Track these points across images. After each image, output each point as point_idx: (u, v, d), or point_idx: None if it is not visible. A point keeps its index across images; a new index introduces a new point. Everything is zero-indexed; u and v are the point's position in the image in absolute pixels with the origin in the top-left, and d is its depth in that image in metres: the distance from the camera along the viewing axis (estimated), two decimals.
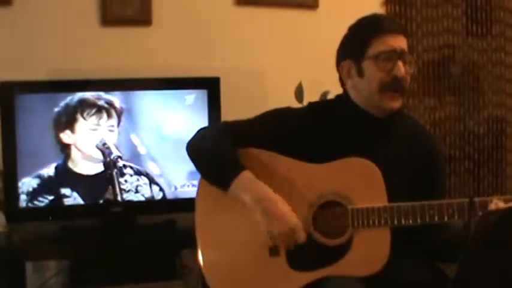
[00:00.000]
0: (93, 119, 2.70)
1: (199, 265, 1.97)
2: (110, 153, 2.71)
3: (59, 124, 2.68)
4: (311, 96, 2.65)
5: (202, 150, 2.01)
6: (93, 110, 2.70)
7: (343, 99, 2.06)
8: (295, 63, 3.20)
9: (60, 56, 2.92)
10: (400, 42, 1.94)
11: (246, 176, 1.88)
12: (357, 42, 1.98)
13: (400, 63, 1.92)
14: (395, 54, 1.92)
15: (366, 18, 2.02)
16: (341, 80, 2.05)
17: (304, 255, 1.89)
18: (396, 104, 1.96)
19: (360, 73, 1.97)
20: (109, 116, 2.72)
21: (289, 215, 1.85)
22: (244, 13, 3.18)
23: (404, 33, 1.98)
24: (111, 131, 2.72)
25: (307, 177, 1.93)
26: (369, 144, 1.98)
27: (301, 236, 1.85)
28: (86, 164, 2.72)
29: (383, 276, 1.84)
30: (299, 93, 2.96)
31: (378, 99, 1.95)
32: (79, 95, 2.69)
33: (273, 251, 1.91)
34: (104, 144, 2.71)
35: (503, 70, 3.58)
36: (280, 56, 3.22)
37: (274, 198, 1.86)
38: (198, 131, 2.09)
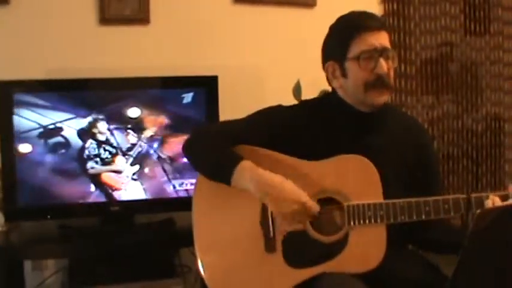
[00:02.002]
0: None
1: (197, 263, 1.97)
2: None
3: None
4: (309, 94, 2.65)
5: (200, 147, 2.02)
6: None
7: (331, 96, 2.08)
8: (293, 62, 3.20)
9: (58, 55, 2.92)
10: (380, 38, 1.94)
11: (246, 165, 1.89)
12: (337, 44, 1.99)
13: (382, 61, 1.93)
14: (377, 52, 1.93)
15: (344, 17, 2.02)
16: (328, 79, 2.06)
17: (300, 252, 1.90)
18: (383, 98, 1.97)
19: (344, 74, 1.99)
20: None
21: (296, 192, 1.86)
22: (242, 11, 3.18)
23: (383, 27, 1.97)
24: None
25: (303, 175, 1.94)
26: (359, 138, 1.99)
27: (314, 208, 1.87)
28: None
29: (379, 272, 1.85)
30: (297, 91, 2.96)
31: (364, 97, 1.96)
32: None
33: (269, 247, 1.92)
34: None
35: (501, 68, 3.58)
36: (278, 55, 3.22)
37: (278, 180, 1.87)
38: (193, 131, 2.10)
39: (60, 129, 2.69)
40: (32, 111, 2.65)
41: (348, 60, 1.96)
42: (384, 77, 1.94)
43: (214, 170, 1.95)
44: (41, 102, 2.67)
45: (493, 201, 1.80)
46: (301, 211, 1.86)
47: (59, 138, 2.69)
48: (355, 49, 1.94)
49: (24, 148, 2.65)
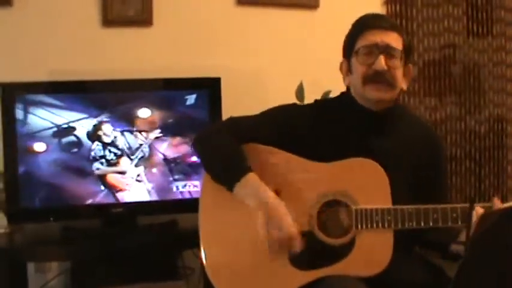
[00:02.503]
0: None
1: (202, 263, 1.97)
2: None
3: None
4: (312, 96, 2.63)
5: (209, 148, 2.01)
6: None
7: (344, 96, 2.09)
8: (296, 64, 3.20)
9: (61, 57, 2.92)
10: (384, 37, 1.95)
11: (251, 178, 1.88)
12: (347, 41, 2.04)
13: (381, 57, 1.93)
14: (377, 49, 1.94)
15: (359, 18, 2.05)
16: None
17: (306, 254, 1.89)
18: (382, 94, 1.96)
19: (350, 70, 2.02)
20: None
21: (289, 223, 1.84)
22: (245, 13, 3.17)
23: (395, 29, 1.99)
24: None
25: (312, 176, 1.94)
26: (367, 139, 1.99)
27: (297, 246, 1.85)
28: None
29: (384, 276, 1.84)
30: (300, 93, 2.96)
31: (363, 91, 1.98)
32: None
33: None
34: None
35: (504, 70, 3.58)
36: (281, 56, 3.22)
37: (277, 203, 1.86)
38: (204, 128, 2.11)
39: (73, 128, 2.70)
40: (46, 110, 2.67)
41: (353, 56, 2.00)
42: (382, 73, 1.94)
43: (218, 175, 1.95)
44: (43, 103, 2.67)
45: (478, 212, 1.79)
46: (285, 243, 1.85)
47: (71, 138, 2.70)
48: (358, 45, 1.98)
49: (30, 148, 2.66)
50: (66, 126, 2.69)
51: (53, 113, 2.67)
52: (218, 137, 2.01)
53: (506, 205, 1.77)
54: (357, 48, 1.98)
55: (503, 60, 3.57)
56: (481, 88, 3.58)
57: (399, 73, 1.98)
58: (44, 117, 2.66)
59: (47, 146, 2.67)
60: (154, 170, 2.78)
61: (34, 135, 2.66)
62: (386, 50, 1.95)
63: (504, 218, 1.55)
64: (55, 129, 2.68)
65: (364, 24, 2.00)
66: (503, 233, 1.54)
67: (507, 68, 3.58)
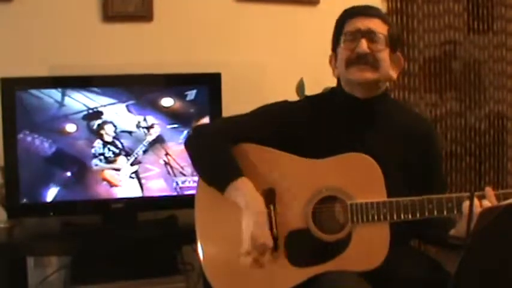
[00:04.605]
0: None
1: (199, 260, 1.97)
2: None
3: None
4: (312, 92, 2.64)
5: (201, 150, 2.01)
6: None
7: (334, 90, 2.10)
8: (296, 59, 3.20)
9: (61, 52, 2.92)
10: (368, 23, 1.97)
11: (243, 182, 1.89)
12: (334, 34, 2.06)
13: (363, 41, 1.95)
14: (359, 33, 1.96)
15: (344, 10, 2.07)
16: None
17: (303, 250, 1.90)
18: (366, 75, 1.96)
19: (337, 60, 2.03)
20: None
21: (268, 234, 1.86)
22: (246, 9, 3.17)
23: (379, 17, 2.01)
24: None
25: (306, 173, 1.94)
26: (359, 130, 2.00)
27: (266, 258, 1.87)
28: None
29: (382, 271, 1.84)
30: (300, 89, 2.96)
31: (346, 74, 1.99)
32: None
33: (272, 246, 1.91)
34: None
35: (505, 66, 3.58)
36: (282, 52, 3.22)
37: (264, 211, 1.88)
38: (195, 127, 2.11)
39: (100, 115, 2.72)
40: (34, 107, 2.66)
41: (339, 45, 2.01)
42: (364, 56, 1.95)
43: (210, 177, 1.96)
44: (43, 98, 2.67)
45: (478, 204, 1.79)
46: (261, 250, 1.86)
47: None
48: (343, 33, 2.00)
49: (29, 142, 2.66)
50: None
51: (46, 109, 2.68)
52: (210, 139, 2.01)
53: (506, 202, 1.77)
54: (342, 35, 2.00)
55: (503, 57, 3.57)
56: (482, 84, 3.58)
57: (383, 56, 1.98)
58: (42, 112, 2.67)
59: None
60: (153, 165, 2.78)
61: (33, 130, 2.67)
62: (369, 34, 1.97)
63: (504, 215, 1.55)
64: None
65: (348, 13, 2.02)
66: (504, 230, 1.54)
67: (507, 64, 3.58)
